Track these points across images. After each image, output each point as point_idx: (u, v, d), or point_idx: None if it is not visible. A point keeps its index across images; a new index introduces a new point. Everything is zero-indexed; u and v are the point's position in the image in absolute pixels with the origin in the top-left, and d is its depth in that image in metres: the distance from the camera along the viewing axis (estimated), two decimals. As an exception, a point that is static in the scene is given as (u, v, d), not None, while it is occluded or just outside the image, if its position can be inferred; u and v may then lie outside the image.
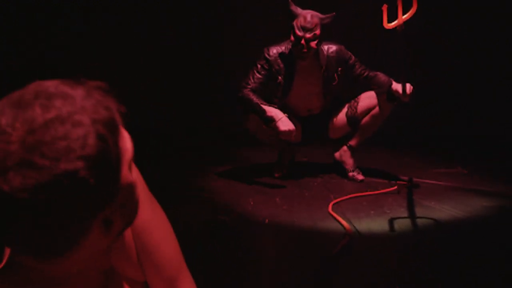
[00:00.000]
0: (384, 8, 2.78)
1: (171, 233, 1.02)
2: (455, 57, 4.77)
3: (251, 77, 3.12)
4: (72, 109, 0.65)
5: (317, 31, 2.98)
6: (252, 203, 2.84)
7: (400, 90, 2.92)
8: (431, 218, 2.58)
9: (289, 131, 2.92)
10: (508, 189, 3.09)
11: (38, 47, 4.96)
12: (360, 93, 3.29)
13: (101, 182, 0.66)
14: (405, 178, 3.24)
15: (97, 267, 0.80)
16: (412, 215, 2.62)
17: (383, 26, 2.80)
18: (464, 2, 4.68)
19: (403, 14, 2.68)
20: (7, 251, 0.77)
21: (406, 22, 2.67)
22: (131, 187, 0.76)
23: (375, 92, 3.18)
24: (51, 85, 0.68)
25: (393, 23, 2.73)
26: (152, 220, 0.97)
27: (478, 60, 4.73)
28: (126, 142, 0.74)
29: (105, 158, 0.66)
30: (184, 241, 1.08)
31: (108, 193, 0.69)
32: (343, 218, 2.54)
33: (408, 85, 2.93)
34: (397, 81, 3.03)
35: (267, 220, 2.57)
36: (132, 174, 0.77)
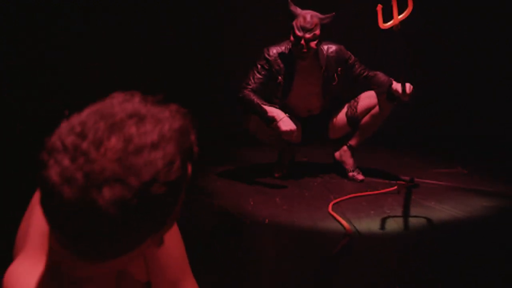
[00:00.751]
0: (379, 8, 2.79)
1: (178, 235, 1.04)
2: (455, 57, 4.77)
3: (251, 77, 3.11)
4: (162, 134, 0.70)
5: (317, 31, 2.98)
6: (252, 203, 2.84)
7: (400, 90, 2.93)
8: (431, 218, 2.58)
9: (291, 131, 2.92)
10: (508, 189, 3.09)
11: (38, 47, 4.96)
12: (360, 93, 3.29)
13: (174, 203, 0.73)
14: (405, 178, 3.25)
15: (116, 269, 0.86)
16: (412, 215, 2.62)
17: (379, 27, 2.81)
18: (464, 2, 4.68)
19: (398, 14, 2.68)
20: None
21: (403, 22, 2.67)
22: (181, 203, 0.81)
23: (375, 91, 3.18)
24: (139, 106, 0.73)
25: (389, 23, 2.74)
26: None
27: (478, 60, 4.73)
28: (191, 165, 0.80)
29: (182, 183, 0.73)
30: (184, 241, 1.08)
31: (174, 211, 0.75)
32: (343, 218, 2.54)
33: (408, 85, 2.94)
34: (397, 81, 3.03)
35: (267, 220, 2.57)
36: None
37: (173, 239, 1.03)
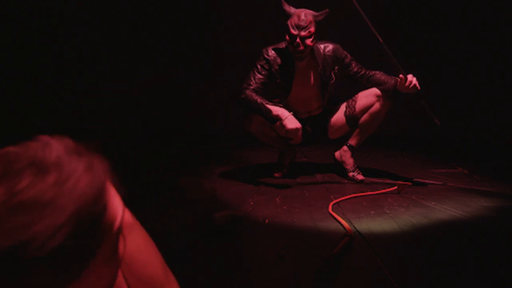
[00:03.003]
0: None
1: (154, 247, 1.01)
2: (455, 58, 4.77)
3: (252, 78, 3.11)
4: (59, 191, 0.59)
5: (312, 29, 2.99)
6: (252, 203, 2.85)
7: (405, 84, 2.96)
8: (431, 218, 2.58)
9: (297, 129, 2.93)
10: (508, 189, 3.09)
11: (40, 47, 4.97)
12: (357, 92, 3.30)
13: (61, 269, 0.61)
14: (405, 178, 3.25)
15: None
16: (412, 215, 2.62)
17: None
18: (464, 3, 4.68)
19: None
20: None
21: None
22: (107, 267, 0.70)
23: (379, 89, 3.17)
24: (54, 152, 0.63)
25: None
26: (137, 244, 0.97)
27: (478, 60, 4.74)
28: (114, 216, 0.68)
29: (75, 249, 0.61)
30: (184, 242, 1.09)
31: (66, 279, 0.62)
32: (343, 218, 2.54)
33: (410, 76, 2.96)
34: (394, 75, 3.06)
35: (267, 220, 2.57)
36: (118, 250, 0.72)
37: (150, 253, 1.00)
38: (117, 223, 0.69)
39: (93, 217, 0.62)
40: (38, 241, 0.57)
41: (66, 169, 0.61)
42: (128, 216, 0.91)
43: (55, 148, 0.63)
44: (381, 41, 2.95)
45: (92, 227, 0.62)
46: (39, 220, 0.58)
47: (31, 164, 0.60)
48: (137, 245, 0.96)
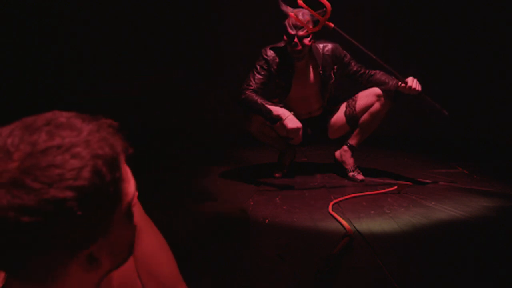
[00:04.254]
0: (291, 15, 2.93)
1: (168, 249, 1.04)
2: (455, 58, 4.77)
3: (251, 78, 3.11)
4: (76, 140, 0.66)
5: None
6: (252, 203, 2.84)
7: (404, 88, 2.96)
8: (431, 218, 2.58)
9: (297, 129, 2.93)
10: (508, 189, 3.09)
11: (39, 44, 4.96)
12: (357, 92, 3.29)
13: (89, 217, 0.66)
14: (405, 178, 3.25)
15: None
16: (412, 215, 2.62)
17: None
18: (464, 3, 4.68)
19: (322, 15, 2.86)
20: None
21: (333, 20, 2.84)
22: (126, 230, 0.75)
23: (381, 89, 3.17)
24: (64, 115, 0.70)
25: (317, 26, 2.91)
26: (152, 243, 1.00)
27: (478, 60, 4.74)
28: (129, 185, 0.74)
29: (98, 195, 0.66)
30: (184, 242, 1.09)
31: (96, 230, 0.68)
32: (343, 218, 2.54)
33: (410, 79, 2.96)
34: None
35: (267, 220, 2.57)
36: (133, 217, 0.77)
37: (165, 254, 1.02)
38: (131, 192, 0.75)
39: (109, 164, 0.68)
40: (66, 179, 0.63)
41: (78, 126, 0.69)
42: (140, 211, 0.98)
43: (66, 113, 0.71)
44: (374, 57, 2.93)
45: (111, 174, 0.68)
46: (62, 161, 0.64)
47: (47, 123, 0.68)
48: (152, 244, 0.99)
